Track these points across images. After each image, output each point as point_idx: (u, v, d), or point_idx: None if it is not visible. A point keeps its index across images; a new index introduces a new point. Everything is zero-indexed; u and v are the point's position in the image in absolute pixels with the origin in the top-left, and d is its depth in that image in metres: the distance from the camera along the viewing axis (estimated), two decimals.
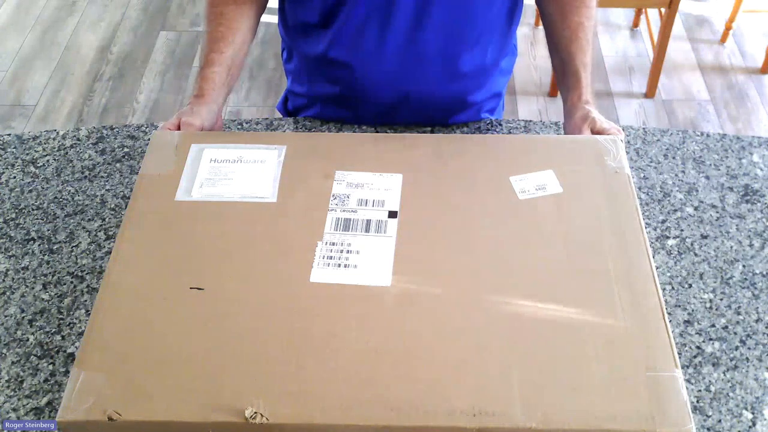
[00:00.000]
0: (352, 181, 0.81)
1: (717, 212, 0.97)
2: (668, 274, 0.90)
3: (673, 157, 1.05)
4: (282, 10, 1.09)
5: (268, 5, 1.07)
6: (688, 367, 0.81)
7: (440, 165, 0.83)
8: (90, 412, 0.62)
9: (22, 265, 0.92)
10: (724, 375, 0.80)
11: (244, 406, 0.62)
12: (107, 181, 1.02)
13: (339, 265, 0.73)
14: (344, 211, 0.78)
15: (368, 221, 0.77)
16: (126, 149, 1.07)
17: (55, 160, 1.06)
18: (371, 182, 0.81)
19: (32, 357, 0.82)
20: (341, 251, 0.74)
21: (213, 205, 0.79)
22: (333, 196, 0.79)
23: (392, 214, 0.77)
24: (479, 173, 0.82)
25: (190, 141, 0.86)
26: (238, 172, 0.82)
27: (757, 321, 0.85)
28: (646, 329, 0.67)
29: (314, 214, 0.78)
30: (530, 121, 1.10)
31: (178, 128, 0.90)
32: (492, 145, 0.87)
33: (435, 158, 0.84)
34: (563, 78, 1.01)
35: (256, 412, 0.62)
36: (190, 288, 0.71)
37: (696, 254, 0.92)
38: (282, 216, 0.78)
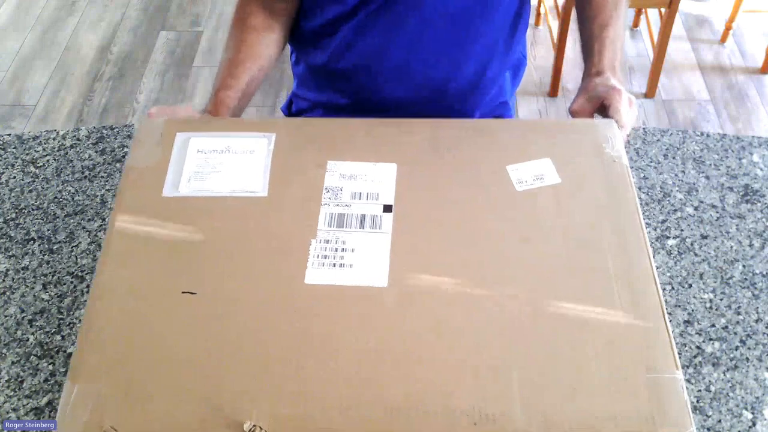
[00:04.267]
0: (345, 172, 0.78)
1: (717, 212, 0.97)
2: (668, 274, 0.90)
3: (673, 157, 1.05)
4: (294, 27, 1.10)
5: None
6: (688, 367, 0.81)
7: (435, 153, 0.81)
8: (87, 428, 0.62)
9: (22, 265, 0.92)
10: (724, 375, 0.80)
11: (243, 419, 0.62)
12: (107, 181, 1.02)
13: (334, 265, 0.71)
14: (338, 205, 0.76)
15: (363, 216, 0.75)
16: (126, 149, 1.07)
17: (55, 160, 1.06)
18: (365, 173, 0.78)
19: (32, 357, 0.82)
20: (336, 249, 0.73)
21: (202, 201, 0.76)
22: (326, 189, 0.77)
23: (387, 208, 0.76)
24: (476, 162, 0.80)
25: (175, 129, 0.82)
26: (227, 163, 0.79)
27: (757, 321, 0.85)
28: (647, 329, 0.67)
29: (307, 208, 0.76)
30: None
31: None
32: (488, 131, 0.84)
33: (430, 146, 0.81)
34: (583, 55, 0.99)
35: (255, 425, 0.62)
36: (183, 292, 0.70)
37: (696, 254, 0.92)
38: (274, 211, 0.76)
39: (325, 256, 0.72)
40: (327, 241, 0.73)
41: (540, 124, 0.90)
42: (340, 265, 0.71)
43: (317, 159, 0.79)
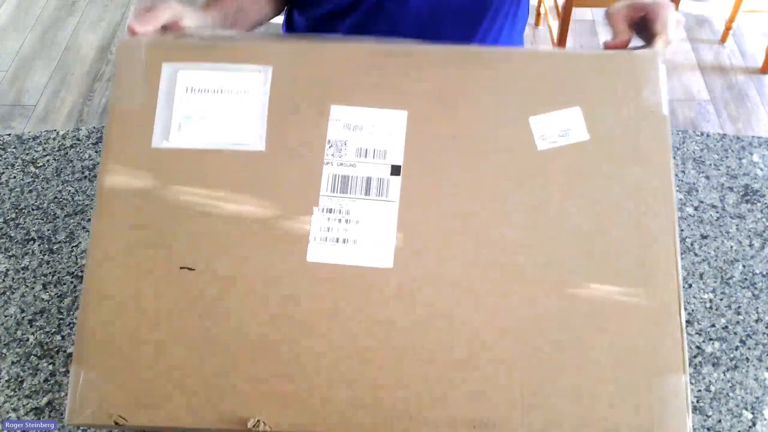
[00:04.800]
0: (350, 121, 0.71)
1: (717, 212, 0.97)
2: None
3: (673, 157, 1.05)
4: (288, 17, 1.10)
5: None
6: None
7: (451, 98, 0.72)
8: (96, 416, 0.62)
9: (22, 265, 0.92)
10: (724, 375, 0.80)
11: (248, 416, 0.62)
12: None
13: (337, 240, 0.68)
14: (341, 165, 0.70)
15: (368, 180, 0.70)
16: None
17: (55, 160, 1.06)
18: (371, 123, 0.71)
19: (32, 357, 0.82)
20: (339, 220, 0.68)
21: (194, 155, 0.70)
22: (329, 143, 0.71)
23: (395, 170, 0.70)
24: (495, 110, 0.72)
25: (161, 58, 0.73)
26: (220, 105, 0.72)
27: (757, 321, 0.85)
28: (657, 326, 0.65)
29: (308, 167, 0.70)
30: None
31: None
32: (515, 66, 0.74)
33: (446, 86, 0.72)
34: None
35: (258, 420, 0.62)
36: (181, 268, 0.67)
37: (696, 254, 0.92)
38: (272, 171, 0.70)
39: (329, 229, 0.68)
40: (330, 210, 0.69)
41: (572, 60, 0.77)
42: (344, 241, 0.68)
43: (319, 102, 0.72)
